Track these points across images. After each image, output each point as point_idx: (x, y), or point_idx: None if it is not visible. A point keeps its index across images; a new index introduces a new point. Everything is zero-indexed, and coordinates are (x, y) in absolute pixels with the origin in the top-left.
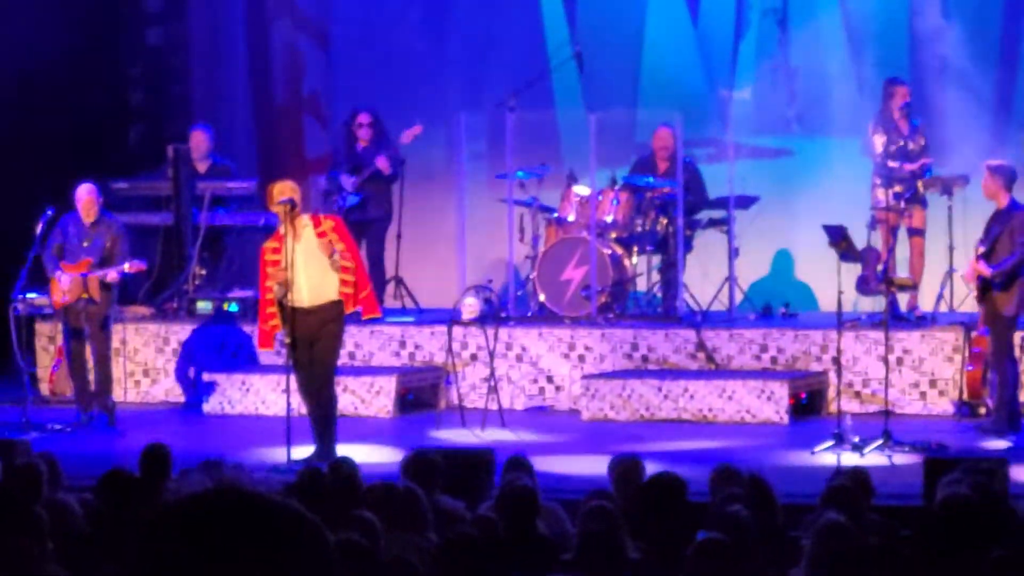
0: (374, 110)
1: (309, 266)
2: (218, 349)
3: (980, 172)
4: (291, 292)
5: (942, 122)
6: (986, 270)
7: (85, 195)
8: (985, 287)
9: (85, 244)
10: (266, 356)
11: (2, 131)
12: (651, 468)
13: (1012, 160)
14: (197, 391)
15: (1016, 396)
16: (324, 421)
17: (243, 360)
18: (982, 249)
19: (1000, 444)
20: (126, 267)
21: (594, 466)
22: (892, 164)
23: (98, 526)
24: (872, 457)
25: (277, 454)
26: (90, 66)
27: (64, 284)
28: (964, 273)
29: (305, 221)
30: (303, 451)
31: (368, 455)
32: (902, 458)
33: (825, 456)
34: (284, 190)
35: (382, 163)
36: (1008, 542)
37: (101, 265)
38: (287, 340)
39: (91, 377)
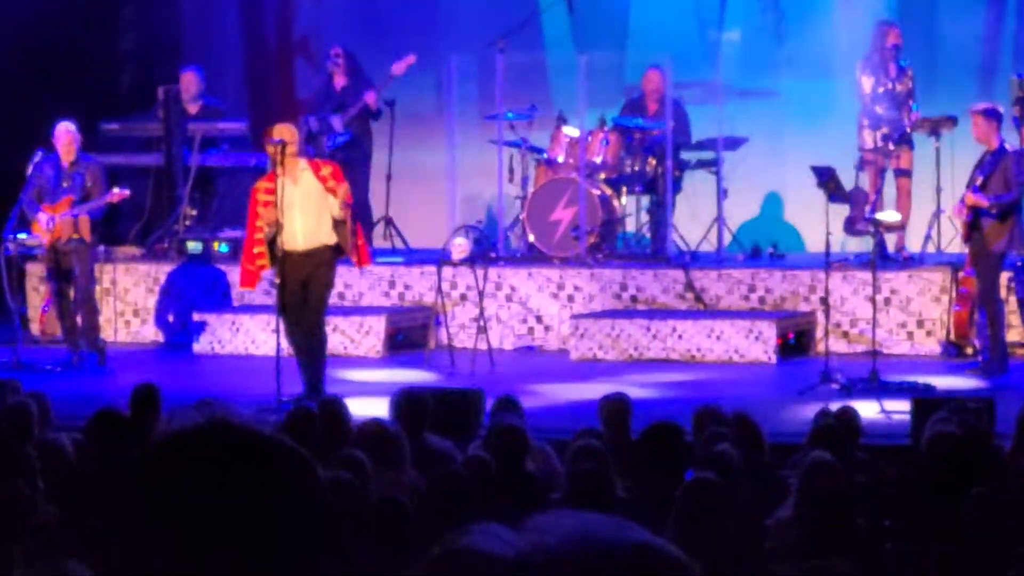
0: (346, 45)
1: (305, 210)
2: (208, 290)
3: (967, 113)
4: (282, 234)
5: (930, 63)
6: (983, 200)
7: (64, 133)
8: (972, 226)
9: (65, 184)
10: (255, 295)
11: None
12: (639, 408)
13: (1000, 102)
14: (187, 332)
15: (1003, 336)
16: (314, 361)
17: (232, 300)
18: (975, 187)
19: (988, 384)
20: (113, 194)
21: (583, 406)
22: (879, 109)
23: (89, 465)
24: (859, 397)
25: (267, 394)
26: (82, 9)
27: (45, 225)
28: (953, 208)
29: (303, 165)
30: (292, 391)
31: (358, 394)
32: (890, 398)
33: (812, 396)
34: (279, 131)
35: (370, 98)
36: (992, 480)
37: (82, 203)
38: (277, 281)
39: (78, 317)
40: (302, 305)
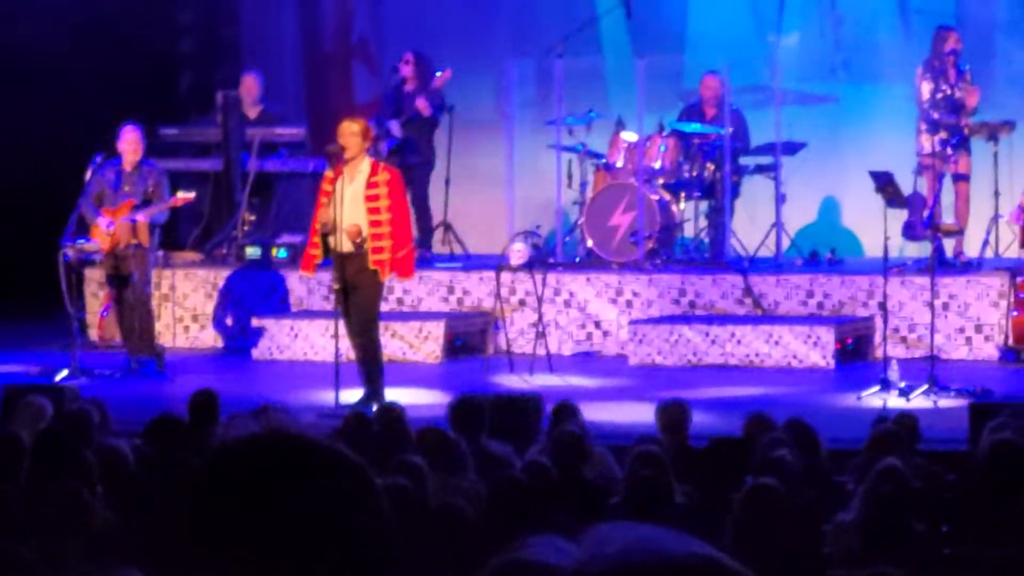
0: (418, 51)
1: (352, 212)
2: (267, 295)
3: None
4: (334, 234)
5: (989, 69)
6: None
7: (129, 136)
8: None
9: (126, 188)
10: (314, 301)
11: (54, 78)
12: (698, 414)
13: None
14: (246, 336)
15: None
16: (369, 366)
17: (291, 305)
18: None
19: None
20: (177, 198)
21: (642, 411)
22: (936, 114)
23: (147, 470)
24: (918, 402)
25: (325, 399)
26: (141, 13)
27: (105, 229)
28: (1010, 214)
29: (364, 167)
30: (351, 396)
31: (416, 400)
32: (947, 403)
33: (871, 401)
34: (339, 133)
35: (421, 104)
36: None
37: (144, 207)
38: (335, 286)
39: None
40: (350, 309)
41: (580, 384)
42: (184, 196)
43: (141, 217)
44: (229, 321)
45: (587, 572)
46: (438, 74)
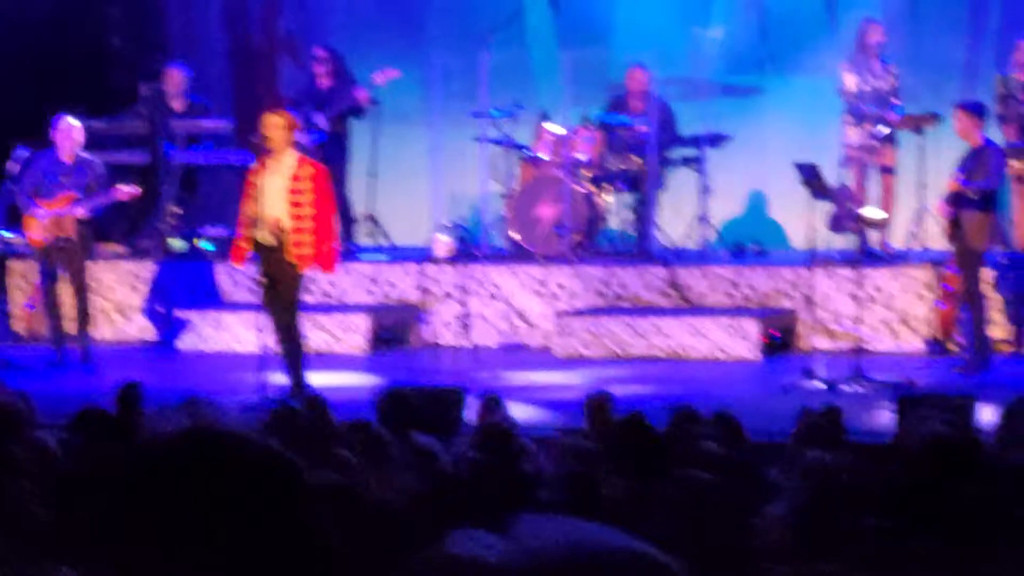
0: (330, 46)
1: (275, 205)
2: (192, 287)
3: (951, 111)
4: (257, 227)
5: (915, 61)
6: (958, 184)
7: (67, 128)
8: (955, 223)
9: (63, 180)
10: (238, 293)
11: None
12: (623, 405)
13: (984, 98)
14: (171, 328)
15: (986, 333)
16: (291, 358)
17: (216, 298)
18: (957, 176)
19: (971, 380)
20: (120, 190)
21: (566, 403)
22: (862, 107)
23: (74, 464)
24: (843, 394)
25: (250, 391)
26: (67, 7)
27: (40, 220)
28: (937, 206)
29: (290, 161)
30: (275, 388)
31: (341, 392)
32: (873, 395)
33: (796, 393)
34: (262, 125)
35: (362, 95)
36: (976, 477)
37: (86, 200)
38: (260, 279)
39: (65, 316)
40: (273, 301)
41: (506, 376)
42: (128, 190)
43: (82, 211)
44: (156, 312)
45: (513, 566)
46: (379, 72)
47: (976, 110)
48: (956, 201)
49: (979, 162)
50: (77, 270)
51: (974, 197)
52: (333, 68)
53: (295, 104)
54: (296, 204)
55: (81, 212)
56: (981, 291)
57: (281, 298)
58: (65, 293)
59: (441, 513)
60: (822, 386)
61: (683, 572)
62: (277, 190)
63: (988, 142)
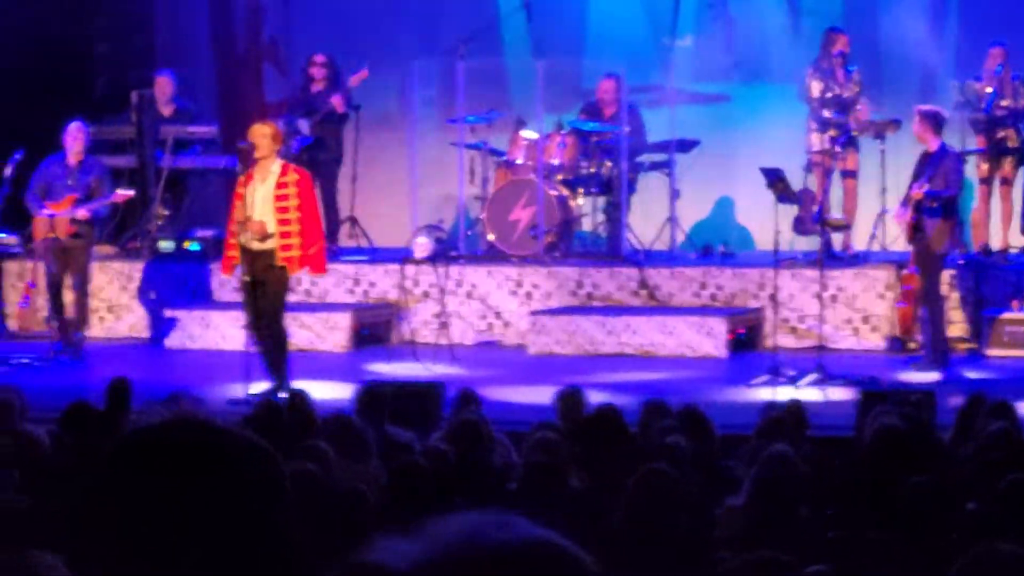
0: (329, 53)
1: (264, 210)
2: (179, 286)
3: (911, 117)
4: (245, 232)
5: (876, 68)
6: (919, 192)
7: (75, 131)
8: (916, 227)
9: (70, 183)
10: (225, 292)
11: None
12: (595, 400)
13: (944, 105)
14: (159, 327)
15: (944, 332)
16: (275, 356)
17: (203, 297)
18: (919, 185)
19: (930, 377)
20: (117, 194)
21: (540, 398)
22: (826, 113)
23: (63, 457)
24: (807, 390)
25: (236, 388)
26: (57, 14)
27: (48, 222)
28: (895, 212)
29: (275, 168)
30: (260, 385)
31: (323, 388)
32: (835, 391)
33: (761, 389)
34: (252, 132)
35: (336, 100)
36: (933, 469)
37: (87, 202)
38: (244, 279)
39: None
40: (257, 301)
41: (481, 373)
42: (124, 193)
43: (82, 212)
44: (144, 312)
45: (421, 571)
46: (353, 75)
47: (933, 116)
48: (918, 207)
49: (939, 169)
50: (80, 269)
51: (934, 204)
52: (328, 74)
53: (280, 110)
54: (282, 209)
55: (82, 213)
56: (940, 293)
57: (266, 299)
58: (65, 291)
59: (411, 504)
60: (786, 382)
61: (585, 559)
62: (264, 197)
63: (945, 148)
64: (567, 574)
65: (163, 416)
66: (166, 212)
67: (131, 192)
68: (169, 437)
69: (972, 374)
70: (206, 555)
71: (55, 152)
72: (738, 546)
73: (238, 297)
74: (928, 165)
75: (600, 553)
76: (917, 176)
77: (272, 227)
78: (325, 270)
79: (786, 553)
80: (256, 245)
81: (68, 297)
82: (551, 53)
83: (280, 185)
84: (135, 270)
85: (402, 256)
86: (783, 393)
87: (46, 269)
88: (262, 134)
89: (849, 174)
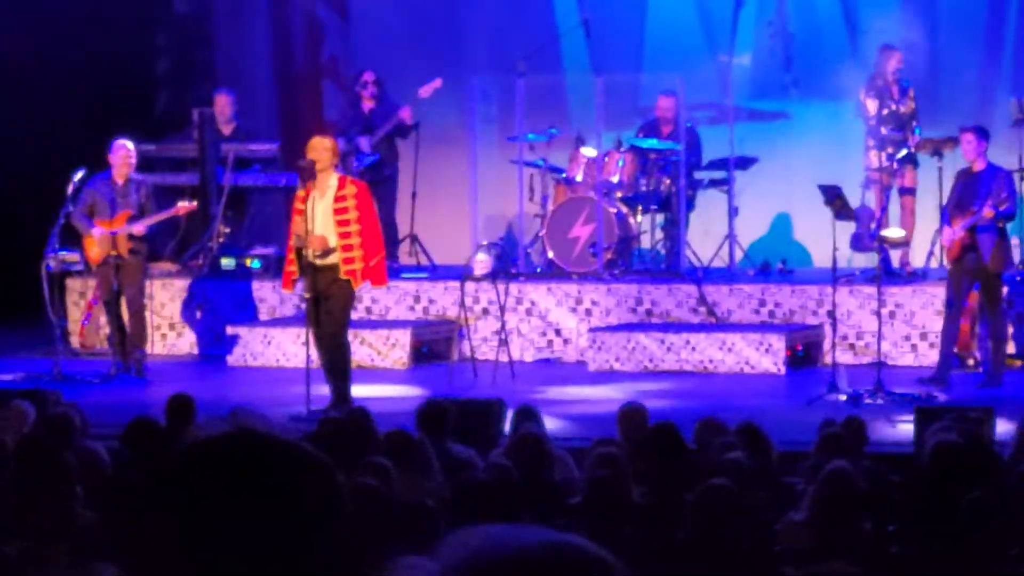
0: (377, 71)
1: (325, 225)
2: (241, 304)
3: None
4: (307, 247)
5: (933, 86)
6: (991, 211)
7: (123, 150)
8: (970, 247)
9: (119, 200)
10: (286, 309)
11: (36, 96)
12: (655, 417)
13: (1001, 122)
14: (221, 344)
15: (1005, 349)
16: (338, 373)
17: (264, 314)
18: (982, 204)
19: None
20: (180, 206)
21: (600, 415)
22: (883, 130)
23: (125, 472)
24: (865, 406)
25: (297, 405)
26: (120, 34)
27: (99, 239)
28: (943, 237)
29: (333, 182)
30: (322, 402)
31: (384, 404)
32: (894, 407)
33: (820, 406)
34: (312, 147)
35: (406, 113)
36: (991, 485)
37: (140, 218)
38: (306, 295)
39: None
40: (320, 318)
41: (542, 389)
42: (188, 205)
43: (140, 227)
44: (204, 324)
45: None
46: (424, 85)
47: (987, 134)
48: (972, 226)
49: (994, 188)
50: (134, 286)
51: (1002, 224)
52: (377, 92)
53: (340, 129)
54: (343, 223)
55: (139, 228)
56: (1004, 310)
57: (330, 314)
58: (122, 309)
59: (474, 520)
60: (845, 398)
61: (618, 566)
62: (323, 211)
63: (994, 166)
64: (591, 573)
65: (220, 429)
66: (227, 230)
67: (193, 204)
68: (227, 450)
69: None
70: (265, 566)
71: (102, 171)
72: (802, 560)
73: (300, 314)
74: (980, 184)
75: (664, 567)
76: (963, 196)
77: (333, 241)
78: (387, 282)
79: (849, 565)
80: (318, 260)
81: (126, 315)
82: (610, 70)
83: (339, 199)
84: (196, 288)
85: (462, 273)
86: (842, 409)
87: (105, 287)
88: (323, 147)
89: (907, 191)
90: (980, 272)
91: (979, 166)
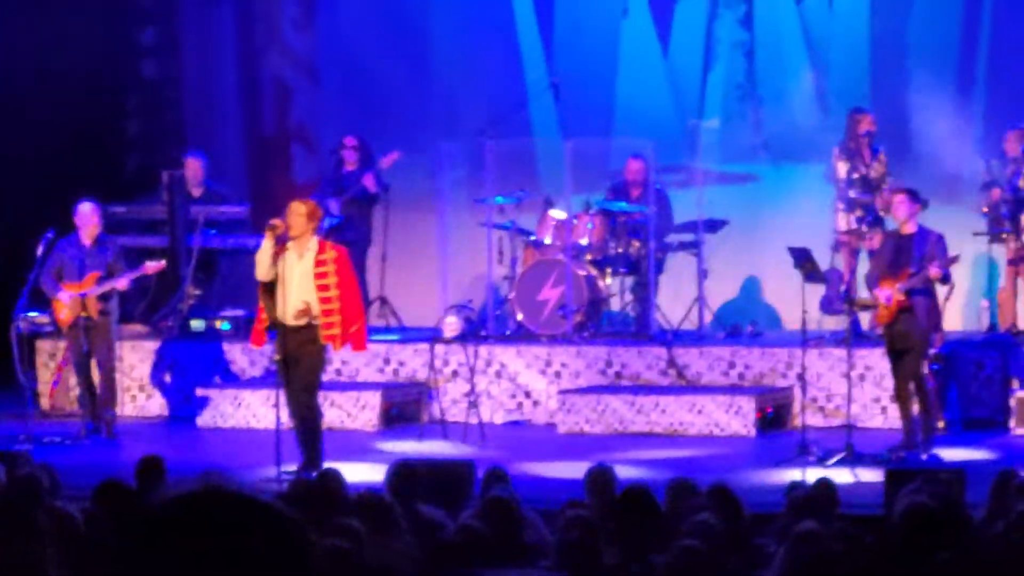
0: (360, 135)
1: (300, 288)
2: (211, 365)
3: (942, 196)
4: (278, 308)
5: (902, 149)
6: (938, 272)
7: (89, 212)
8: (905, 309)
9: (88, 262)
10: (256, 371)
11: (6, 158)
12: (624, 479)
13: (971, 183)
14: (191, 405)
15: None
16: (308, 434)
17: (234, 376)
18: (923, 265)
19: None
20: (148, 266)
21: (570, 477)
22: (852, 193)
23: (97, 533)
24: (835, 469)
25: (268, 466)
26: (88, 97)
27: (68, 303)
28: (883, 298)
29: (312, 245)
30: (292, 464)
31: (354, 467)
32: (864, 470)
33: (790, 468)
34: (287, 212)
35: (368, 181)
36: (962, 547)
37: (108, 279)
38: (277, 357)
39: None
40: (291, 379)
41: (511, 451)
42: (156, 265)
43: (108, 286)
44: (172, 386)
45: None
46: (383, 157)
47: (915, 197)
48: (908, 289)
49: (935, 249)
50: (105, 347)
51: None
52: (357, 156)
53: (310, 191)
54: (323, 287)
55: (123, 284)
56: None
57: (302, 376)
58: (92, 370)
59: None
60: (814, 461)
61: None
62: (301, 274)
63: (926, 229)
64: None
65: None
66: (197, 292)
67: (162, 263)
68: (199, 507)
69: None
70: None
71: (69, 234)
72: None
73: (269, 375)
74: (913, 246)
75: None
76: (896, 258)
77: (315, 306)
78: (366, 347)
79: None
80: (292, 321)
81: (96, 376)
82: (579, 133)
83: (319, 263)
84: (166, 349)
85: (432, 336)
86: (812, 472)
87: (75, 348)
88: (298, 212)
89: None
90: (911, 334)
91: (909, 228)
